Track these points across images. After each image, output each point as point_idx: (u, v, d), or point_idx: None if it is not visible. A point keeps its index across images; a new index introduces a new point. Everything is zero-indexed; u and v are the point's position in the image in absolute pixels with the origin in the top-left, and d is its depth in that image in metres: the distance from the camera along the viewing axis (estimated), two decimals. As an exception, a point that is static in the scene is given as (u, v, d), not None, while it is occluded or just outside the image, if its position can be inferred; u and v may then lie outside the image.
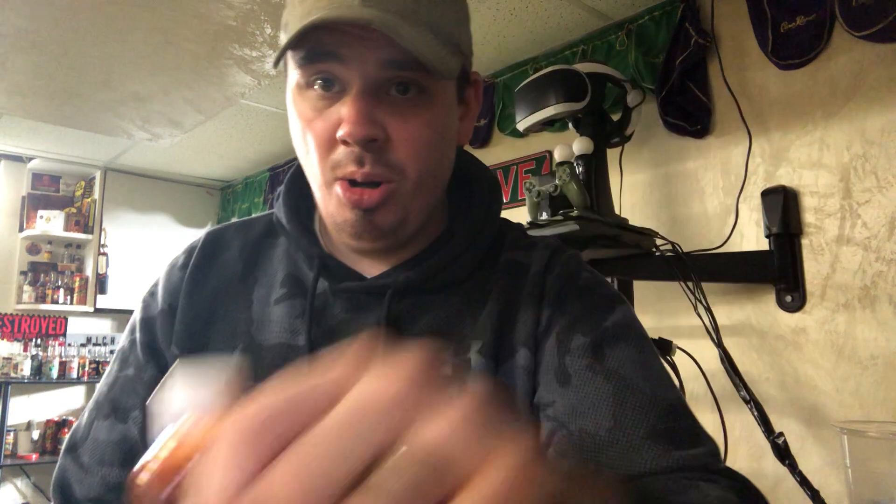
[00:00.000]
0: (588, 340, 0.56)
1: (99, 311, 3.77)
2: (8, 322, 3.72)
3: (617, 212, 1.76)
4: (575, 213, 1.45)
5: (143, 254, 3.86)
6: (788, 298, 1.56)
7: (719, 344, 1.43)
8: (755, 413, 1.34)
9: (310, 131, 0.55)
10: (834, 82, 1.54)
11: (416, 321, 0.59)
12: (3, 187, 3.84)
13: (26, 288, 3.72)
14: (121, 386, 0.63)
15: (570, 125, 1.77)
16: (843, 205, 1.50)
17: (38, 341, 3.72)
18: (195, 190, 4.15)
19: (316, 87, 0.54)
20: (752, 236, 1.65)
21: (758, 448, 1.55)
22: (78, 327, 3.89)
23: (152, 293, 0.66)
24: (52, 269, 3.88)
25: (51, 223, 3.74)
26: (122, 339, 0.67)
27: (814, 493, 1.24)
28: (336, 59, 0.53)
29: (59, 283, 3.80)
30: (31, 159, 3.81)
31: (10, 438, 3.50)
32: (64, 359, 3.66)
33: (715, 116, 1.76)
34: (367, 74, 0.53)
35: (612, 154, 1.78)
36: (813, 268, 1.54)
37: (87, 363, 3.73)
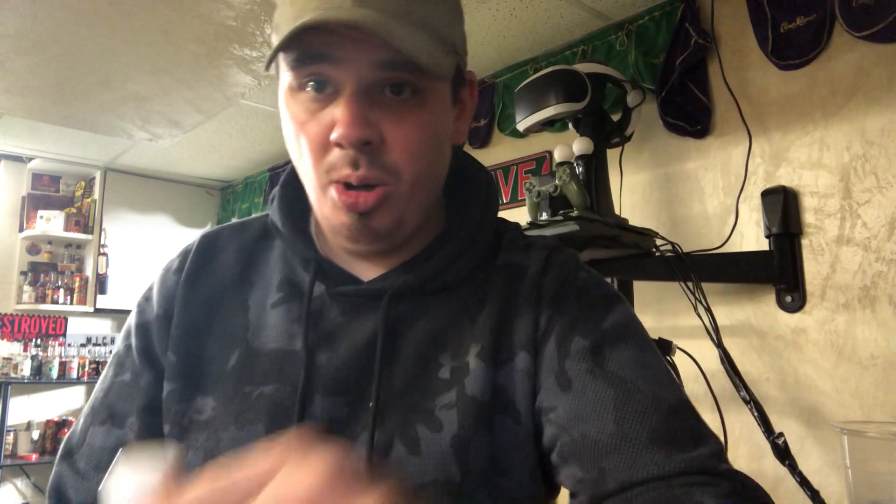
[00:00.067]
0: (587, 343, 0.55)
1: (99, 312, 3.77)
2: (8, 322, 3.72)
3: (617, 212, 1.76)
4: (575, 213, 1.45)
5: (143, 254, 3.85)
6: (788, 299, 1.57)
7: (719, 344, 1.43)
8: (755, 413, 1.34)
9: (303, 134, 0.54)
10: (834, 82, 1.54)
11: (414, 325, 0.59)
12: (3, 187, 3.84)
13: (26, 288, 3.72)
14: (117, 391, 0.63)
15: (570, 125, 1.77)
16: (843, 205, 1.50)
17: (38, 341, 3.72)
18: (195, 190, 4.15)
19: (308, 89, 0.54)
20: (752, 236, 1.65)
21: (758, 448, 1.55)
22: (78, 327, 3.89)
23: (147, 298, 0.66)
24: (52, 269, 3.88)
25: (51, 223, 3.74)
26: (118, 344, 0.66)
27: (814, 494, 1.24)
28: (328, 61, 0.52)
29: (59, 283, 3.80)
30: (31, 159, 3.81)
31: (9, 438, 3.50)
32: (64, 359, 3.66)
33: (715, 117, 1.76)
34: (361, 76, 0.52)
35: (612, 154, 1.78)
36: (813, 268, 1.54)
37: (87, 363, 3.73)
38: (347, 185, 0.54)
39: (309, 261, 0.62)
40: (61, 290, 3.76)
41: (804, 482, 1.25)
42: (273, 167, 3.58)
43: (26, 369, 3.55)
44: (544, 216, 1.54)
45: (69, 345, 3.77)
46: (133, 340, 0.64)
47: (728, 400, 1.48)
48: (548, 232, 1.41)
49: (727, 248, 1.66)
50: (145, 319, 0.64)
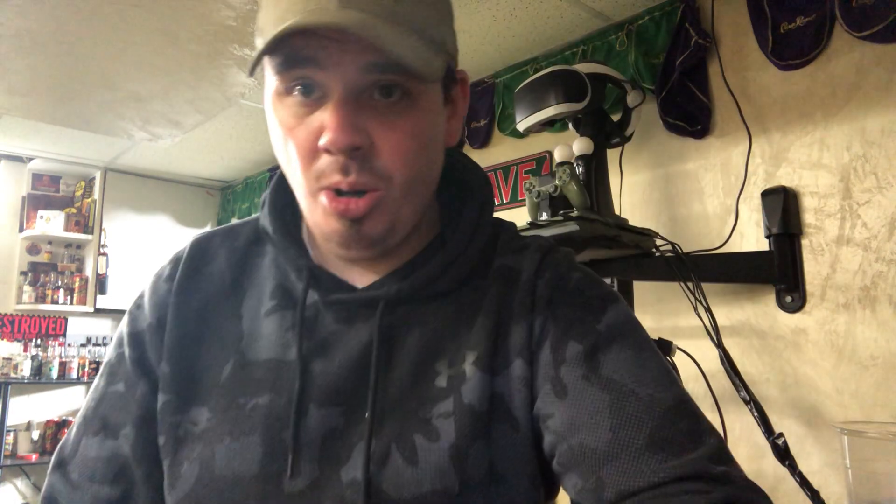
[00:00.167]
0: (582, 349, 0.55)
1: (99, 312, 3.77)
2: (8, 322, 3.72)
3: (617, 212, 1.77)
4: (575, 213, 1.45)
5: (143, 254, 3.85)
6: (788, 299, 1.57)
7: (719, 344, 1.43)
8: (755, 413, 1.34)
9: (291, 139, 0.53)
10: (834, 83, 1.54)
11: (410, 332, 0.58)
12: (3, 187, 3.84)
13: (26, 288, 3.72)
14: (110, 402, 0.62)
15: (570, 125, 1.77)
16: (843, 205, 1.50)
17: (38, 341, 3.72)
18: (195, 190, 4.15)
19: (295, 93, 0.52)
20: (752, 237, 1.65)
21: (758, 448, 1.55)
22: (78, 327, 3.89)
23: (139, 305, 0.65)
24: (52, 269, 3.87)
25: (51, 223, 3.74)
26: (109, 352, 0.65)
27: (814, 494, 1.24)
28: (315, 65, 0.50)
29: (59, 283, 3.80)
30: (31, 159, 3.81)
31: (9, 439, 3.50)
32: (64, 359, 3.66)
33: (715, 117, 1.76)
34: (348, 79, 0.50)
35: (612, 154, 1.78)
36: (813, 268, 1.54)
37: (87, 363, 3.73)
38: (338, 192, 0.52)
39: (301, 268, 0.60)
40: (61, 291, 3.76)
41: (804, 482, 1.25)
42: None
43: (26, 369, 3.55)
44: (544, 216, 1.54)
45: (69, 345, 3.77)
46: (126, 350, 0.63)
47: (728, 400, 1.48)
48: (548, 232, 1.41)
49: (727, 249, 1.66)
50: (138, 328, 0.63)
